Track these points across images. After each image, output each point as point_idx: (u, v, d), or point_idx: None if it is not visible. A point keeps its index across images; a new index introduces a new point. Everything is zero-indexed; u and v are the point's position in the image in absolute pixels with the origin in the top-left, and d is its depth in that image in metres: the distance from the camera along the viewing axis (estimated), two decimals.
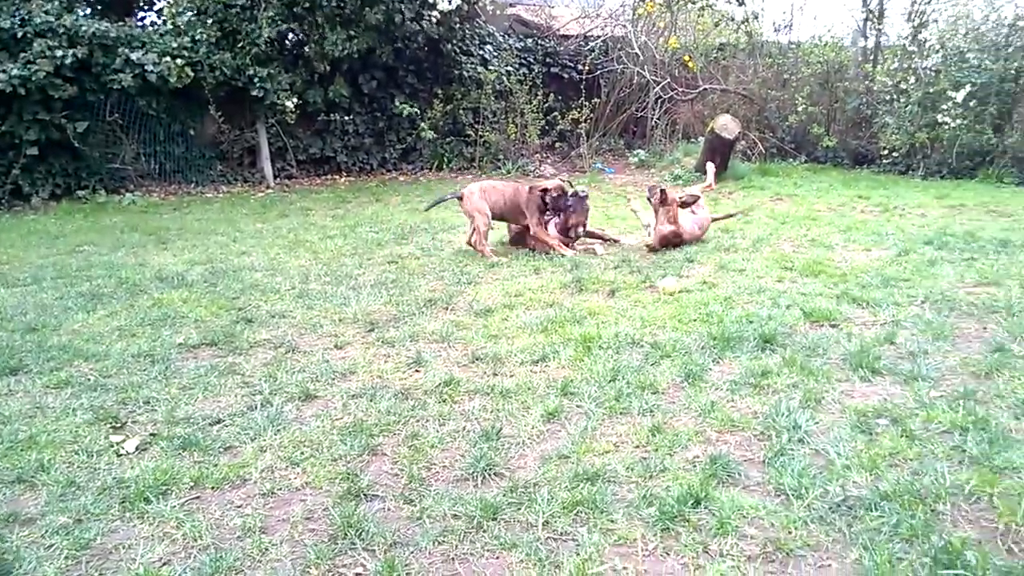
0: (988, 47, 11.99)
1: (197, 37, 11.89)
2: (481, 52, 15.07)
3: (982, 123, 11.86)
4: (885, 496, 2.98)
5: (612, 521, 2.96)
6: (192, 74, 11.71)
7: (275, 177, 13.33)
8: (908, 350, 4.57)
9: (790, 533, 2.84)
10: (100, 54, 11.11)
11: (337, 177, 13.96)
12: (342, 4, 12.34)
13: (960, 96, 11.74)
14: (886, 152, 12.95)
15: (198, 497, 3.27)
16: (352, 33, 12.58)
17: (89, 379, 4.51)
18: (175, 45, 11.65)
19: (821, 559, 2.71)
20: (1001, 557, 2.63)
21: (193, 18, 12.14)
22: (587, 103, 14.94)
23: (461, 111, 14.70)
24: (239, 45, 12.30)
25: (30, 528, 3.04)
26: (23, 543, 2.93)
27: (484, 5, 15.11)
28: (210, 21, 12.16)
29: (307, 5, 12.27)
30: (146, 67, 11.27)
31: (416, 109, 14.12)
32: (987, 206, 9.41)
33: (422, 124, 14.27)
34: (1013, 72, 11.72)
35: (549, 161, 14.95)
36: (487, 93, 14.52)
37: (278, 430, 3.83)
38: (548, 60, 16.10)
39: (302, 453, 3.59)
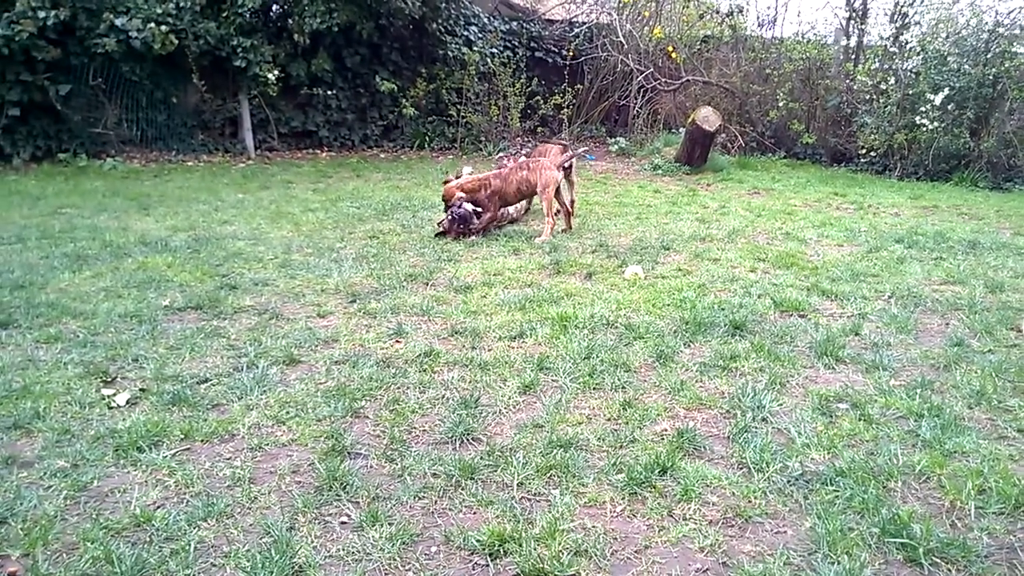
0: (968, 52, 12.13)
1: (182, 4, 11.78)
2: (466, 33, 15.06)
3: (959, 127, 12.04)
4: (841, 472, 3.16)
5: (583, 484, 3.12)
6: (176, 42, 11.62)
7: (256, 149, 13.31)
8: (872, 341, 4.76)
9: (750, 502, 3.01)
10: (84, 17, 11.05)
11: (318, 151, 13.97)
12: None
13: (938, 99, 11.92)
14: (864, 151, 13.11)
15: (188, 449, 3.40)
16: (333, 6, 12.52)
17: (78, 336, 4.62)
18: (159, 11, 11.55)
19: (778, 526, 2.88)
20: (944, 530, 2.81)
21: None
22: (570, 89, 15.01)
23: (444, 91, 14.71)
24: (224, 14, 12.24)
25: (28, 471, 3.16)
26: (23, 483, 3.05)
27: None
28: None
29: None
30: (130, 32, 11.19)
31: (395, 86, 14.12)
32: (959, 208, 9.64)
33: (404, 102, 14.30)
34: (991, 78, 11.88)
35: (531, 145, 15.01)
36: (470, 74, 14.53)
37: (264, 391, 3.95)
38: (532, 44, 16.12)
39: (287, 413, 3.72)
